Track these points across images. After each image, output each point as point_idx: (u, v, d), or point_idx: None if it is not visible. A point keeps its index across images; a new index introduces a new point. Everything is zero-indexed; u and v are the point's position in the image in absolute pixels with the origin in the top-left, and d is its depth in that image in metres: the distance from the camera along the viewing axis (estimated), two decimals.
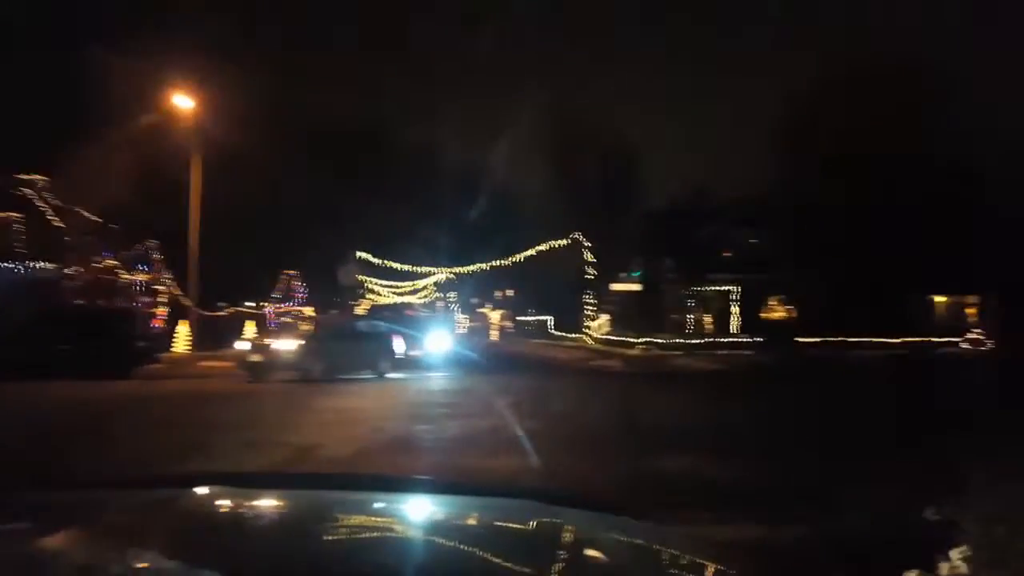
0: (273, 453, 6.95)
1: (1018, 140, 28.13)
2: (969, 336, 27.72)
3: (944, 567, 3.65)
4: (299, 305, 31.78)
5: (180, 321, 23.95)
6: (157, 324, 22.54)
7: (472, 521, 1.71)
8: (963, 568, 3.70)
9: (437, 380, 15.61)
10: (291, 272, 32.26)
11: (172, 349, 22.40)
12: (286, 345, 15.60)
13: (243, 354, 16.23)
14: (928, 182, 28.15)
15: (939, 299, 31.99)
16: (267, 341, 16.49)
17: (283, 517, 1.71)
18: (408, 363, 16.98)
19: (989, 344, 26.56)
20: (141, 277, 25.21)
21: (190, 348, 22.93)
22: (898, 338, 27.09)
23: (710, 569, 1.46)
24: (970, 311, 31.46)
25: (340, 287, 35.25)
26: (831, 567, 3.33)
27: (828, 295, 27.15)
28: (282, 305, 31.13)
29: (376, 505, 1.83)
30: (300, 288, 32.86)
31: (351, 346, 16.01)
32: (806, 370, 19.95)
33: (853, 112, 29.81)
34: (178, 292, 25.19)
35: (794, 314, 31.65)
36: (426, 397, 12.37)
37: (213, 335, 23.72)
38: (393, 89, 42.41)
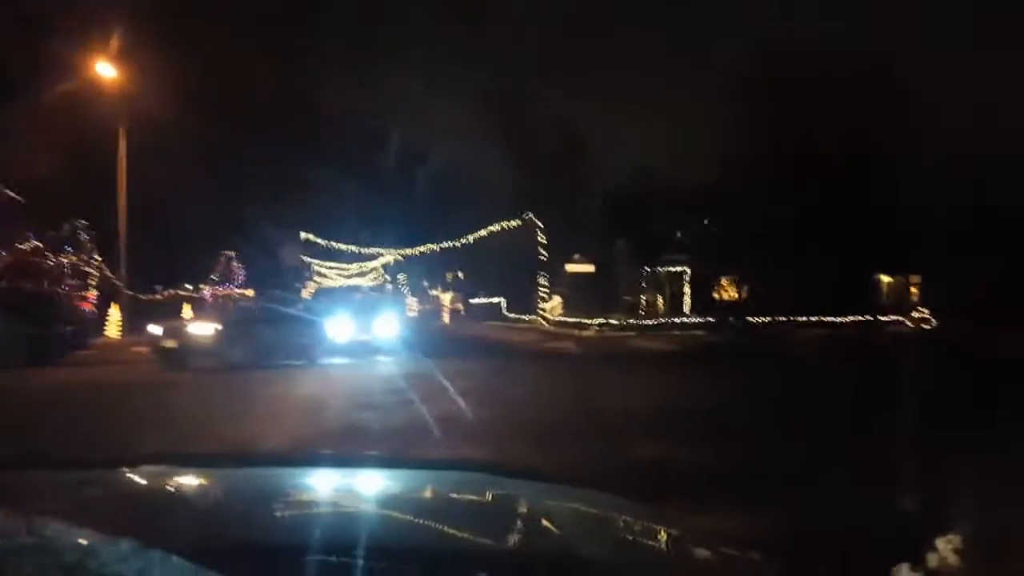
0: (206, 448, 6.33)
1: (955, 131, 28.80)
2: (913, 315, 28.32)
3: (932, 558, 3.40)
4: (239, 287, 30.64)
5: (112, 305, 22.89)
6: (87, 308, 21.38)
7: (427, 493, 1.67)
8: (952, 559, 3.46)
9: (386, 365, 14.90)
10: (230, 253, 31.03)
11: (104, 334, 21.41)
12: (203, 330, 13.98)
13: (155, 339, 14.20)
14: (875, 168, 28.59)
15: (885, 279, 32.67)
16: (182, 325, 14.86)
17: (231, 493, 1.62)
18: (355, 348, 16.16)
19: (933, 322, 27.16)
20: (69, 259, 23.83)
21: (121, 333, 21.90)
22: (846, 317, 27.48)
23: (676, 536, 1.42)
24: (913, 290, 32.23)
25: (283, 269, 34.23)
26: (813, 556, 3.08)
27: (778, 276, 27.40)
28: (221, 288, 29.94)
29: (327, 480, 1.76)
30: (240, 270, 31.64)
31: (280, 330, 14.47)
32: (761, 350, 20.01)
33: (809, 103, 30.08)
34: (110, 275, 24.04)
35: (745, 295, 31.91)
36: (374, 384, 11.75)
37: (149, 319, 22.68)
38: (343, 66, 41.14)
